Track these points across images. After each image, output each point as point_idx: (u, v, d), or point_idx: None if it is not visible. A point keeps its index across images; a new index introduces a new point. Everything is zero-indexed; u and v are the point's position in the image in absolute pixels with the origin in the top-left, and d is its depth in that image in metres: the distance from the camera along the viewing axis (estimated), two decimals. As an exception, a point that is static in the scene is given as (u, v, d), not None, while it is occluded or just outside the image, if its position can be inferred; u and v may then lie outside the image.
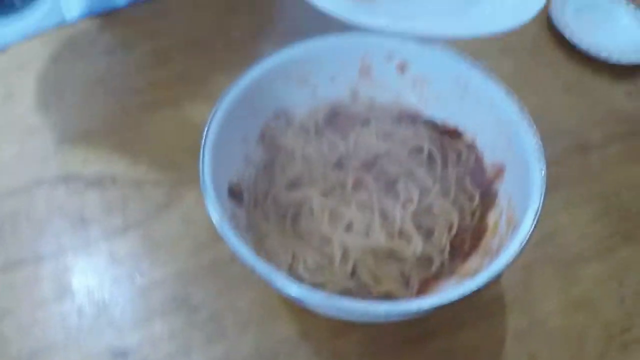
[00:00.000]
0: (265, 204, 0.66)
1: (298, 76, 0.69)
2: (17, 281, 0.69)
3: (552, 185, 0.76)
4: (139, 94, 0.85)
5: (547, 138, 0.81)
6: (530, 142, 0.62)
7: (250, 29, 0.92)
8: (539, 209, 0.56)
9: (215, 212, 0.56)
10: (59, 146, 0.80)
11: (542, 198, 0.57)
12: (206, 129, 0.60)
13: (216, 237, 0.67)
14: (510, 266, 0.53)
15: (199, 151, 0.60)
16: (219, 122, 0.61)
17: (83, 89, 0.87)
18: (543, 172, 0.59)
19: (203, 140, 0.60)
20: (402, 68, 0.72)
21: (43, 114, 0.83)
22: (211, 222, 0.56)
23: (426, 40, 0.68)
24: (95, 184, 0.76)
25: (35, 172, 0.77)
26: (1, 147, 0.80)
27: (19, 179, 0.77)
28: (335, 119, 0.70)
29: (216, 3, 0.97)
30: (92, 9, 1.00)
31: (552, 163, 0.79)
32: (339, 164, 0.68)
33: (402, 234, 0.64)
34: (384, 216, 0.64)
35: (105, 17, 0.97)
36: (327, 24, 0.69)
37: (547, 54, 0.95)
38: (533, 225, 0.55)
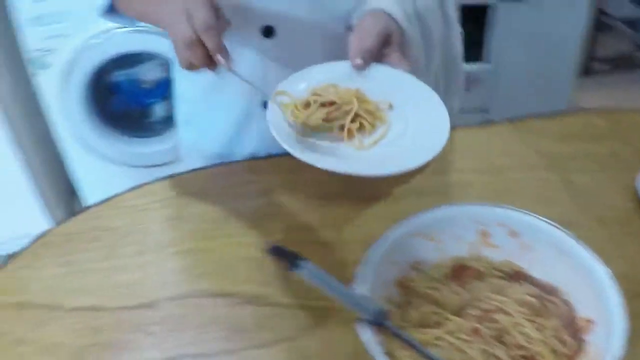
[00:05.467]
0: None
1: (430, 235, 0.86)
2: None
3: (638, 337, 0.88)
4: (300, 232, 1.01)
5: (633, 296, 0.93)
6: (614, 301, 0.76)
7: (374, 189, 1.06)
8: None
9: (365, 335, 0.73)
10: (220, 265, 0.96)
11: (624, 348, 0.71)
12: (357, 274, 0.78)
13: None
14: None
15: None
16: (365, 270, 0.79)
17: (240, 220, 1.03)
18: (624, 327, 0.73)
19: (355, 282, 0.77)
20: (513, 234, 0.88)
21: (205, 240, 1.00)
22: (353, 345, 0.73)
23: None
24: (251, 301, 0.90)
25: (198, 285, 0.93)
26: (172, 258, 0.96)
27: (181, 289, 0.92)
28: (457, 272, 0.85)
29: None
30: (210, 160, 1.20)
31: (637, 317, 0.91)
32: (460, 310, 0.82)
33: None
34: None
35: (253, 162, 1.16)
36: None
37: (634, 224, 1.05)
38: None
